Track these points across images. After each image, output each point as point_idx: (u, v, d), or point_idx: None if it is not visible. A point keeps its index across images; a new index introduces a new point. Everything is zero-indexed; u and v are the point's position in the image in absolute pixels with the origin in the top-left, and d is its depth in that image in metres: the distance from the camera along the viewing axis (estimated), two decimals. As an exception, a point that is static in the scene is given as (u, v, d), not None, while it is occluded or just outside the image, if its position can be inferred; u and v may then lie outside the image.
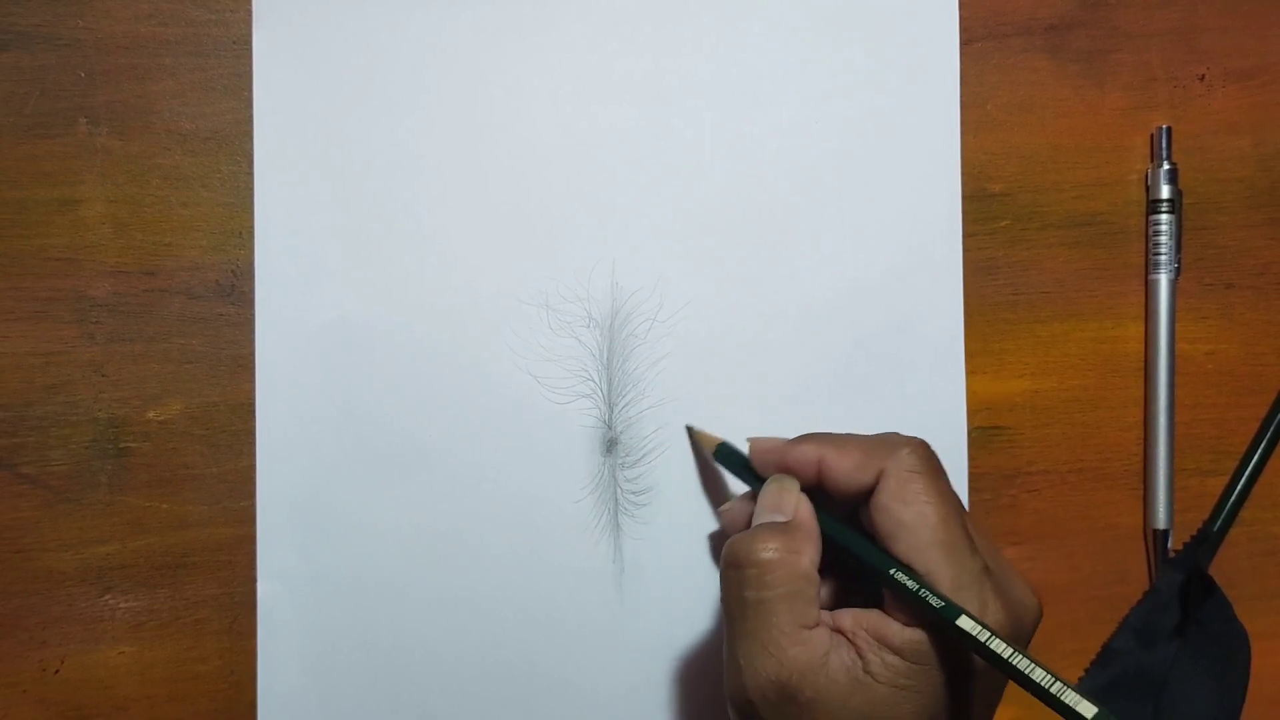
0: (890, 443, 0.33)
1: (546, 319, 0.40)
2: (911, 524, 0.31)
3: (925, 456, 0.32)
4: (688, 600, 0.40)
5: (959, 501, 0.33)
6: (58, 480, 0.37)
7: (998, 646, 0.28)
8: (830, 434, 0.35)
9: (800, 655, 0.30)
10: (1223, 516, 0.44)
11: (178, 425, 0.38)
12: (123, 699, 0.38)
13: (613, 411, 0.40)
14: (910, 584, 0.30)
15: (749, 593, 0.31)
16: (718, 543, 0.40)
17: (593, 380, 0.40)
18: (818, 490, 0.34)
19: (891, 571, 0.31)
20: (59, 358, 0.37)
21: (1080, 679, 0.44)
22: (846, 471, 0.33)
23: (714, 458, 0.39)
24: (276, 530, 0.38)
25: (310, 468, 0.38)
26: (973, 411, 0.43)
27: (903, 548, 0.31)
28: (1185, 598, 0.43)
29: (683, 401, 0.40)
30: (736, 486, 0.40)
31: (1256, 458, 0.45)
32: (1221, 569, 0.44)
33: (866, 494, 0.33)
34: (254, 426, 0.38)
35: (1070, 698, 0.27)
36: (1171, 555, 0.44)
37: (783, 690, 0.30)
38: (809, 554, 0.32)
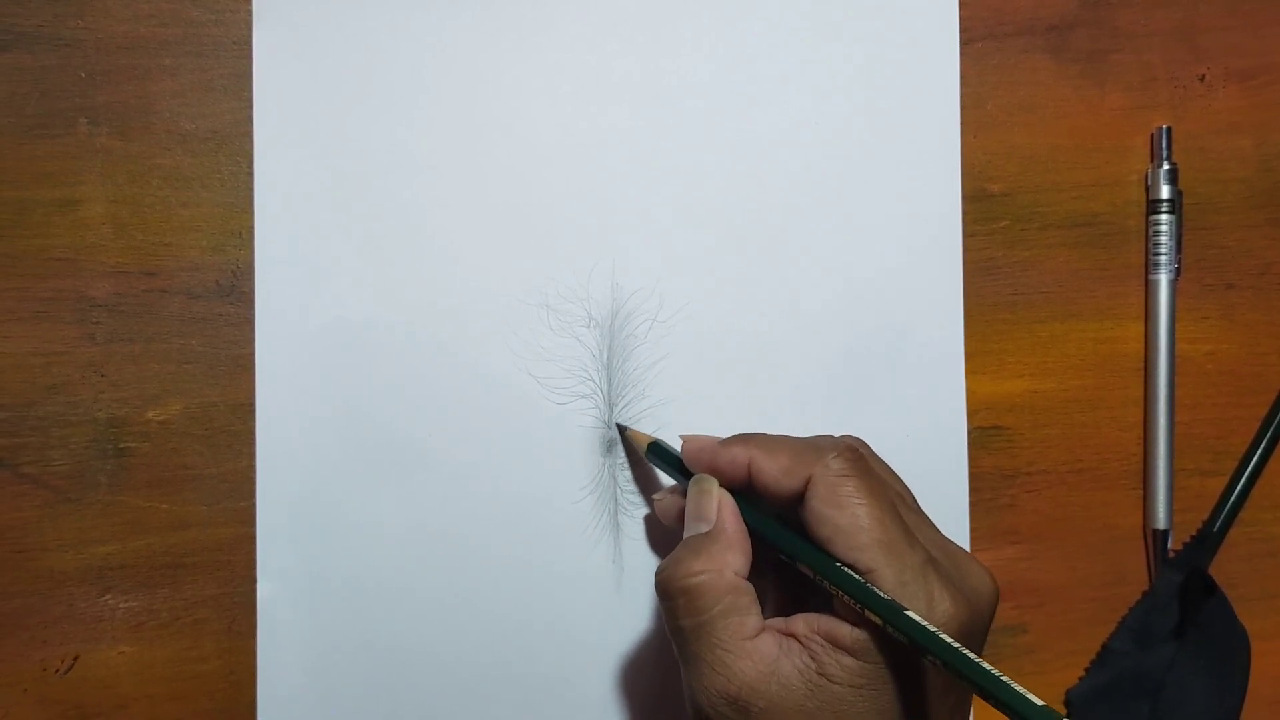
0: (819, 447, 0.33)
1: (546, 319, 0.40)
2: (846, 527, 0.31)
3: (853, 459, 0.32)
4: (687, 600, 0.40)
5: (895, 495, 0.33)
6: (58, 480, 0.37)
7: (941, 646, 0.28)
8: (762, 435, 0.34)
9: (747, 668, 0.30)
10: (1223, 517, 0.44)
11: (177, 425, 0.38)
12: (123, 698, 0.38)
13: (613, 412, 0.40)
14: (852, 585, 0.30)
15: (684, 620, 0.32)
16: (654, 528, 0.40)
17: (593, 380, 0.40)
18: (752, 490, 0.34)
19: (830, 576, 0.31)
20: (59, 358, 0.37)
21: (1079, 680, 0.44)
22: (774, 476, 0.33)
23: (646, 456, 0.39)
24: (276, 530, 0.38)
25: (310, 468, 0.38)
26: (972, 411, 0.43)
27: (840, 550, 0.31)
28: (1184, 598, 0.43)
29: (683, 401, 0.40)
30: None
31: (1256, 458, 0.45)
32: (1221, 569, 0.44)
33: (798, 497, 0.32)
34: (254, 426, 0.38)
35: (1016, 691, 0.26)
36: (1171, 555, 0.44)
37: (735, 704, 0.30)
38: (734, 563, 0.32)
